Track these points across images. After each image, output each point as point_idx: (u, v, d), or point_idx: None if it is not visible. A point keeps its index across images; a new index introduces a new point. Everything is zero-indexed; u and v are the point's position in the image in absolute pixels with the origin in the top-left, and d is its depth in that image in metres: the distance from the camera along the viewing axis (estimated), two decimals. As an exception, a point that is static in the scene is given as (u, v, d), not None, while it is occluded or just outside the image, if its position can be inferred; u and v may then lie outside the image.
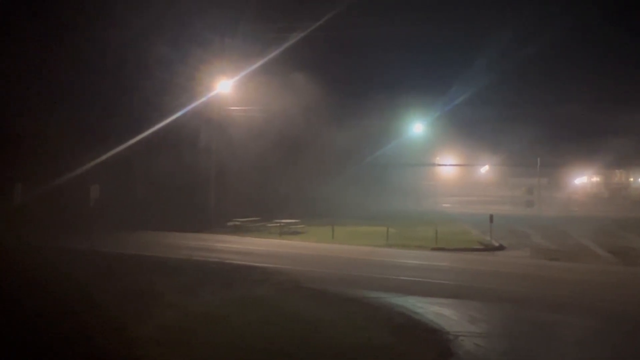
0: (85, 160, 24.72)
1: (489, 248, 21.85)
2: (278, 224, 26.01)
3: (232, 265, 15.22)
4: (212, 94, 29.16)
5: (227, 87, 29.48)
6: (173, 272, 13.46)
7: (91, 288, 10.60)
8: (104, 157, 25.27)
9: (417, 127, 47.68)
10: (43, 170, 24.13)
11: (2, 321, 8.13)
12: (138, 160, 28.33)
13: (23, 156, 23.51)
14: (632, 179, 68.33)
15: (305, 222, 27.40)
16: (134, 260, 15.33)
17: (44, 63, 26.26)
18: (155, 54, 27.18)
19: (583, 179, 71.25)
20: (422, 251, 20.73)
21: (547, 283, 14.87)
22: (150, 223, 25.44)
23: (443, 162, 65.70)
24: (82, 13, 26.00)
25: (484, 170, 70.35)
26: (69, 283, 10.91)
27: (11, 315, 8.47)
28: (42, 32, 26.21)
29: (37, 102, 25.89)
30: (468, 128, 63.64)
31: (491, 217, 23.06)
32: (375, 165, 43.61)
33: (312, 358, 7.54)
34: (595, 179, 71.80)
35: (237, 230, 26.30)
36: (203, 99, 29.05)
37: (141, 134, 27.01)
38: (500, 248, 21.94)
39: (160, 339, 7.83)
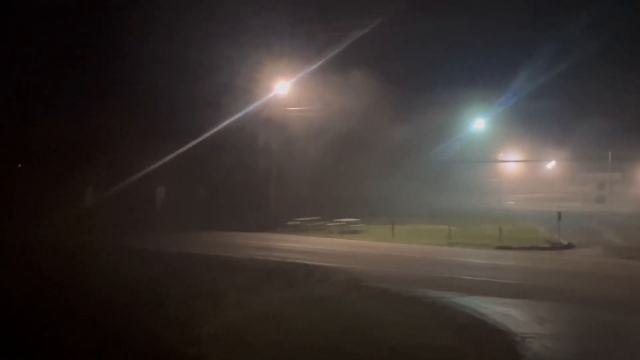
0: (151, 162, 25.65)
1: (557, 246, 20.98)
2: (337, 223, 26.05)
3: (293, 265, 15.32)
4: (271, 94, 29.55)
5: (285, 88, 29.78)
6: (235, 271, 13.68)
7: (156, 287, 10.95)
8: (168, 159, 26.15)
9: (479, 122, 46.43)
10: (112, 173, 25.28)
11: (70, 318, 8.51)
12: (200, 161, 29.11)
13: (93, 160, 24.70)
14: None
15: (364, 221, 27.28)
16: (197, 260, 15.72)
17: (108, 69, 27.48)
18: (215, 56, 27.83)
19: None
20: (485, 250, 20.17)
21: (620, 282, 14.10)
22: (212, 223, 26.06)
23: (507, 158, 63.71)
24: (143, 16, 26.95)
25: (551, 165, 67.61)
26: (135, 282, 11.32)
27: (79, 312, 8.87)
28: (105, 37, 27.44)
29: (104, 107, 27.09)
30: (534, 122, 61.18)
31: (559, 214, 22.16)
32: (437, 162, 42.84)
33: (372, 358, 7.45)
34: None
35: (297, 229, 26.53)
36: (262, 100, 29.49)
37: (203, 136, 27.78)
38: (570, 246, 21.01)
39: (223, 337, 7.97)
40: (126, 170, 25.51)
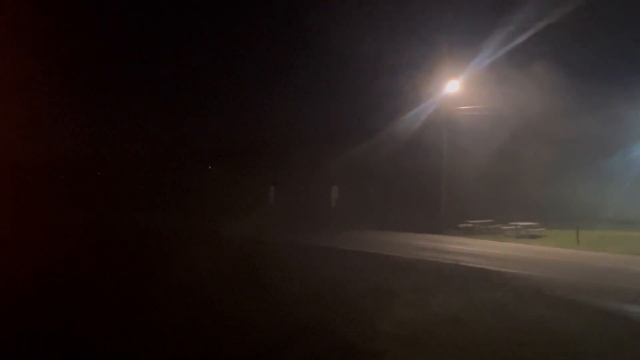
0: (325, 163, 26.86)
1: None
2: (514, 227, 24.70)
3: (466, 268, 14.91)
4: (443, 94, 29.01)
5: (456, 87, 29.02)
6: (408, 271, 13.75)
7: (333, 283, 11.44)
8: (341, 160, 27.15)
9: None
10: (290, 174, 27.00)
11: (252, 309, 9.22)
12: (371, 162, 29.66)
13: (276, 162, 26.62)
14: None
15: (544, 225, 25.46)
16: (370, 258, 16.12)
17: (288, 75, 29.42)
18: (385, 57, 28.22)
19: None
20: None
21: None
22: (383, 223, 26.37)
23: None
24: (318, 21, 28.28)
25: None
26: (314, 277, 11.98)
27: (260, 304, 9.59)
28: (279, 42, 29.37)
29: (285, 112, 29.07)
30: None
31: None
32: (634, 162, 37.95)
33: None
34: None
35: (469, 232, 25.70)
36: (433, 100, 29.12)
37: (374, 137, 28.30)
38: None
39: (400, 336, 8.04)
40: (303, 171, 27.03)
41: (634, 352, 7.76)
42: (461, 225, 26.35)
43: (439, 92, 29.18)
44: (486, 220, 26.48)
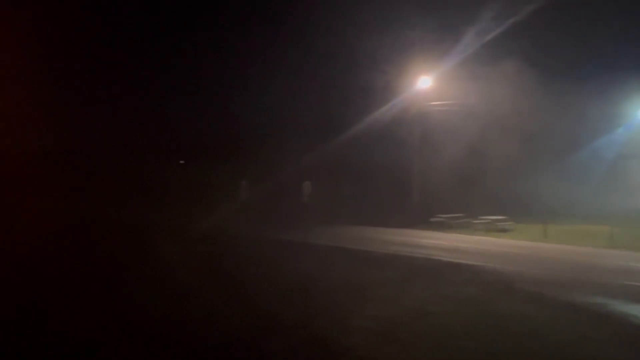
0: (298, 158, 26.80)
1: None
2: (484, 221, 25.10)
3: (438, 262, 15.11)
4: (414, 90, 29.24)
5: (428, 83, 29.29)
6: (381, 266, 13.84)
7: (306, 278, 11.42)
8: (314, 155, 27.13)
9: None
10: (262, 169, 26.84)
11: (225, 308, 9.15)
12: (344, 157, 29.71)
13: (247, 156, 26.44)
14: None
15: (513, 219, 25.93)
16: (343, 253, 16.15)
17: (259, 70, 29.27)
18: (357, 52, 28.24)
19: None
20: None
21: None
22: (356, 218, 26.46)
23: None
24: (290, 16, 28.16)
25: None
26: (287, 273, 11.95)
27: (237, 298, 9.54)
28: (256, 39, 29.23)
29: (257, 106, 28.90)
30: None
31: None
32: (601, 157, 38.86)
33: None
34: None
35: (441, 226, 26.00)
36: (405, 96, 29.31)
37: (346, 132, 28.36)
38: None
39: (373, 329, 8.09)
40: (275, 166, 26.93)
41: (599, 345, 7.95)
42: (433, 219, 26.64)
43: (411, 88, 29.40)
44: (457, 215, 26.82)
